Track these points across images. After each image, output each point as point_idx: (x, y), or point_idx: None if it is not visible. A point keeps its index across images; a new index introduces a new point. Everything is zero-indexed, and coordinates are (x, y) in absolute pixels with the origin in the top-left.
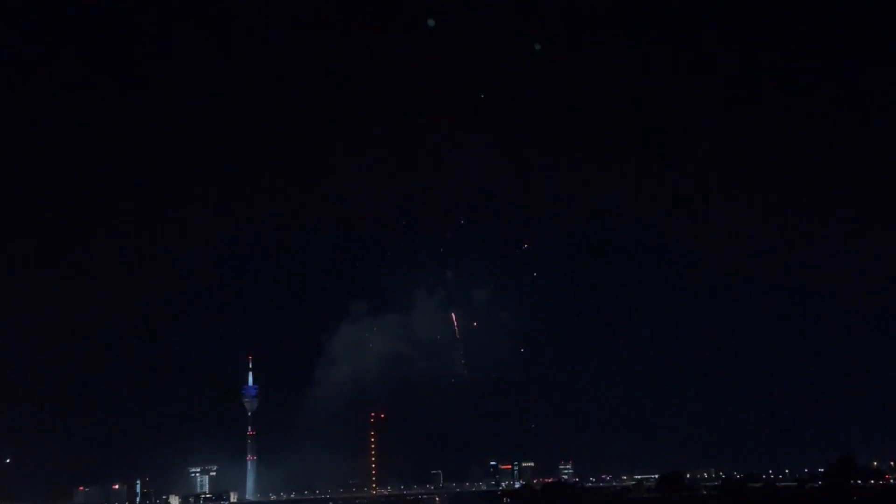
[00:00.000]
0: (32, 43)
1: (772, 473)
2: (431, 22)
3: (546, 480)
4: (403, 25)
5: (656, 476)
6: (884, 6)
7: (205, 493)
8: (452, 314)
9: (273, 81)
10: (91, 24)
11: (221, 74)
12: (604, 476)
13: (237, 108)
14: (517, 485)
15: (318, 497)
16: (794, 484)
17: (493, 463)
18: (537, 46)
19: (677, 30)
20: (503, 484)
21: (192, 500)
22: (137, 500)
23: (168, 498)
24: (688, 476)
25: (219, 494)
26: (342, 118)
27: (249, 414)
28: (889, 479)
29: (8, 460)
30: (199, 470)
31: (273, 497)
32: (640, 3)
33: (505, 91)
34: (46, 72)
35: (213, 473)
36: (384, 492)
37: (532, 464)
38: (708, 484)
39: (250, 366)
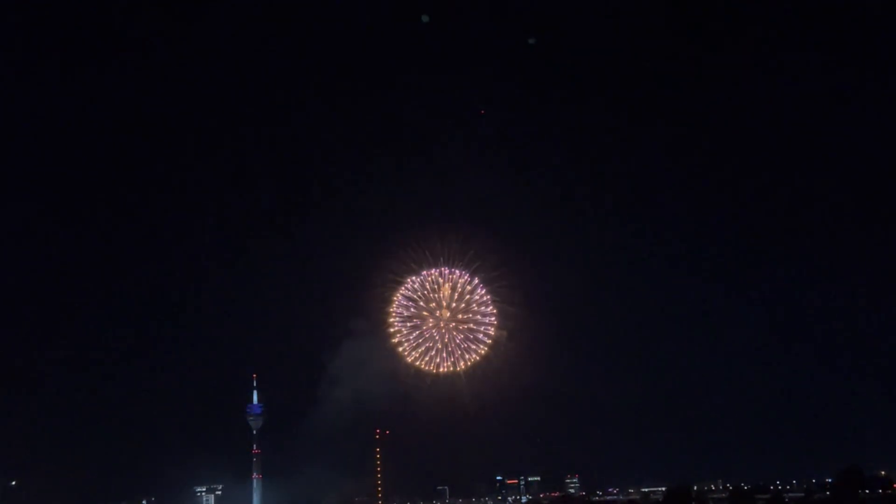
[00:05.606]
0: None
1: (779, 484)
2: (425, 18)
3: (553, 494)
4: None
5: (663, 489)
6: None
7: None
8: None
9: (274, 99)
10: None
11: (222, 86)
12: (611, 489)
13: (241, 128)
14: (524, 499)
15: None
16: (802, 495)
17: (499, 478)
18: (531, 41)
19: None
20: (510, 499)
21: None
22: None
23: None
24: (695, 488)
25: None
26: (345, 138)
27: (254, 432)
28: None
29: (13, 482)
30: (204, 489)
31: None
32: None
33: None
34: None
35: (219, 492)
36: None
37: (538, 478)
38: (715, 496)
39: (255, 384)
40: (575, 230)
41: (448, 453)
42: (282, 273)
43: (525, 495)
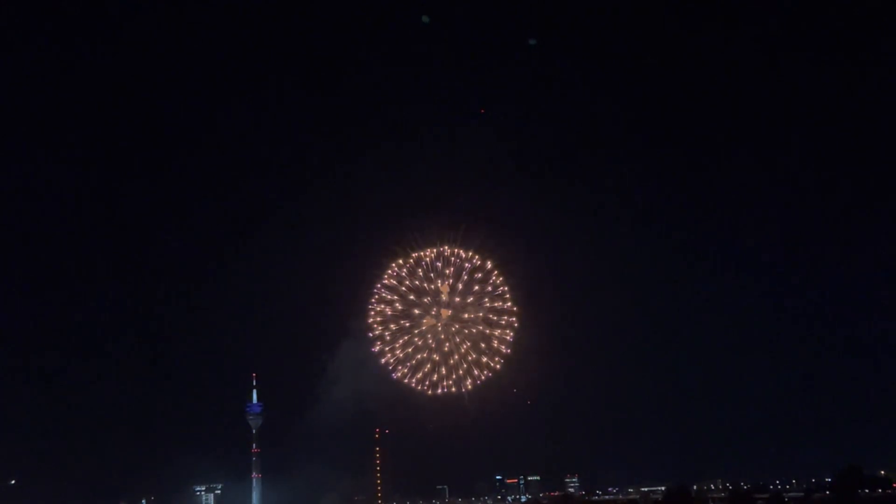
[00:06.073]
0: None
1: (779, 484)
2: (426, 18)
3: (553, 494)
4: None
5: (663, 489)
6: None
7: None
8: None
9: (274, 98)
10: None
11: (221, 83)
12: (610, 489)
13: (241, 126)
14: (524, 499)
15: None
16: (802, 495)
17: (498, 477)
18: (532, 41)
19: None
20: (510, 498)
21: None
22: None
23: None
24: (695, 488)
25: None
26: (345, 135)
27: (254, 431)
28: None
29: (13, 481)
30: (203, 488)
31: None
32: None
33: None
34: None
35: (218, 492)
36: None
37: (538, 478)
38: (715, 496)
39: (254, 383)
40: (575, 229)
41: (448, 453)
42: (281, 273)
43: (525, 495)
